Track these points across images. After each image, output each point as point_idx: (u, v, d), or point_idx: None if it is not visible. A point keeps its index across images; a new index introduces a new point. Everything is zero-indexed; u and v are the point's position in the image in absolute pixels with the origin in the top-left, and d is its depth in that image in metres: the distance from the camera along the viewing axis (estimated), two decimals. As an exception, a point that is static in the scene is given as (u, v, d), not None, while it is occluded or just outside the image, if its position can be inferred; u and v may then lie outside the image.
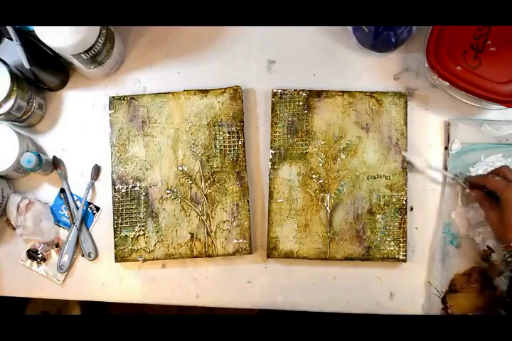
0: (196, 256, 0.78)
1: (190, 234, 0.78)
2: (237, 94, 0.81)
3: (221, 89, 0.81)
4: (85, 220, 0.81)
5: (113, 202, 0.79)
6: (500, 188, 0.70)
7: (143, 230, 0.78)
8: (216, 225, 0.78)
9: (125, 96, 0.81)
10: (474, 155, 0.78)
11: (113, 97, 0.81)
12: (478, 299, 0.76)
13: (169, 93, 0.81)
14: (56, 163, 0.82)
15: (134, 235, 0.78)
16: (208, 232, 0.78)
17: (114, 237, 0.78)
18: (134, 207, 0.79)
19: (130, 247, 0.78)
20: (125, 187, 0.80)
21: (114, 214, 0.79)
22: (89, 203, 0.82)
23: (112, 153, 0.80)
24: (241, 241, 0.78)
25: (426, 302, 0.77)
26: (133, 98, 0.81)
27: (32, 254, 0.80)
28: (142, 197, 0.79)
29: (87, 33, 0.71)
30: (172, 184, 0.79)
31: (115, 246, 0.78)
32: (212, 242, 0.78)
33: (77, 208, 0.81)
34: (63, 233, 0.81)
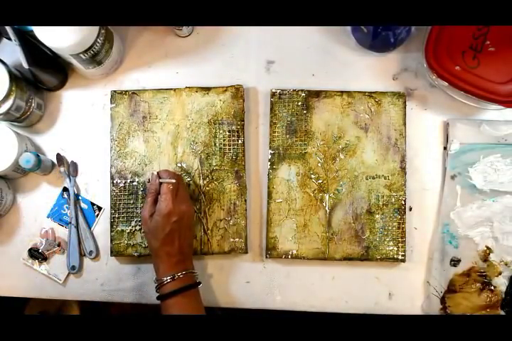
0: None
1: None
2: (238, 92, 0.81)
3: (223, 87, 0.81)
4: (87, 220, 0.81)
5: (111, 196, 0.79)
6: None
7: (139, 225, 0.78)
8: (213, 223, 0.78)
9: (127, 91, 0.82)
10: (473, 155, 0.78)
11: (115, 91, 0.81)
12: (477, 299, 0.76)
13: (171, 89, 0.81)
14: (59, 161, 0.82)
15: (131, 230, 0.78)
16: (204, 230, 0.78)
17: (111, 231, 0.78)
18: (131, 201, 0.79)
19: (126, 242, 0.78)
20: (123, 182, 0.80)
21: (111, 208, 0.79)
22: (92, 203, 0.82)
23: (111, 147, 0.80)
24: (237, 240, 0.78)
25: (425, 303, 0.77)
26: (134, 93, 0.81)
27: (33, 253, 0.80)
28: (140, 192, 0.79)
29: (85, 33, 0.71)
30: None
31: (111, 240, 0.78)
32: (208, 240, 0.78)
33: (80, 207, 0.81)
34: (64, 232, 0.81)
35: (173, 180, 0.71)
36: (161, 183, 0.71)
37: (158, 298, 0.69)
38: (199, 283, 0.71)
